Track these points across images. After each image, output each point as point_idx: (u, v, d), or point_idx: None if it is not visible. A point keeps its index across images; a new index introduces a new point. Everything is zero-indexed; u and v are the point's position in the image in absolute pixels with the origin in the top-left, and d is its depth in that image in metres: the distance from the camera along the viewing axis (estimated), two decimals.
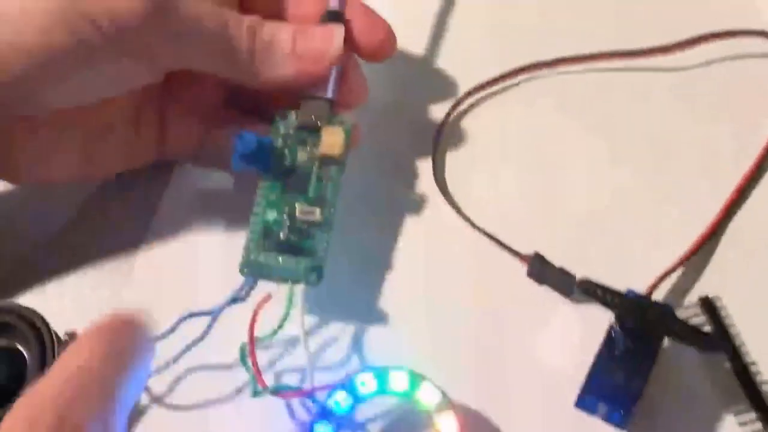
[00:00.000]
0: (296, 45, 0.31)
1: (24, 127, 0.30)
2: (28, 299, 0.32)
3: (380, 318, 0.31)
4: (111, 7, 0.28)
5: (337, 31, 0.31)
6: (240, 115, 0.34)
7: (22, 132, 0.30)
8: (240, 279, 0.29)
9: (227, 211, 0.34)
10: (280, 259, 0.29)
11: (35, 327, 0.29)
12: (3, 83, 0.28)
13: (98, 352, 0.22)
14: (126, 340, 0.23)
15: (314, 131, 0.31)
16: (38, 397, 0.21)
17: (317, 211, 0.30)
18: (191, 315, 0.29)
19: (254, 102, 0.34)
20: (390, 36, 0.32)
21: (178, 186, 0.35)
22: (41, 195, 0.35)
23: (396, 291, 0.31)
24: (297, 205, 0.30)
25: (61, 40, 0.27)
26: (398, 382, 0.26)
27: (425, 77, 0.36)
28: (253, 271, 0.29)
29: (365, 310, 0.31)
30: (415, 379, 0.26)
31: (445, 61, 0.36)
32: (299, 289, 0.29)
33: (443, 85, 0.36)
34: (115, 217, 0.34)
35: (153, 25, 0.28)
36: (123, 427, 0.22)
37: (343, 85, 0.32)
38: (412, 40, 0.36)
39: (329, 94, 0.31)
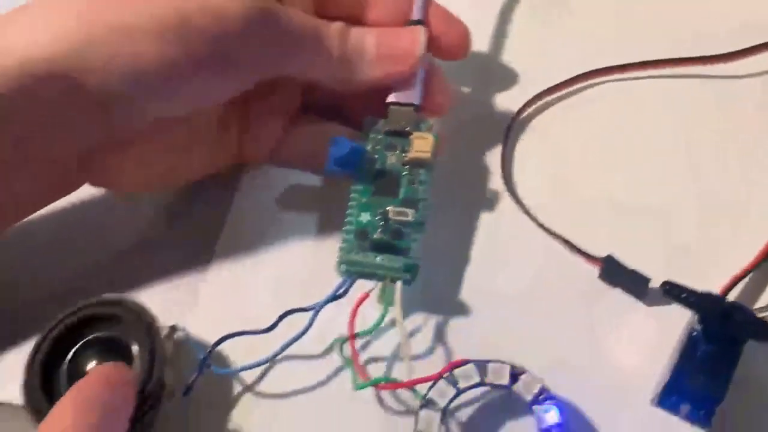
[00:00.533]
0: (383, 47, 0.32)
1: (123, 137, 0.31)
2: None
3: (459, 312, 0.32)
4: (218, 16, 0.29)
5: (421, 32, 0.33)
6: (318, 118, 0.36)
7: (121, 144, 0.31)
8: (325, 277, 0.31)
9: (303, 208, 0.35)
10: (377, 258, 0.30)
11: (142, 320, 0.30)
12: (116, 93, 0.29)
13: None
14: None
15: (403, 136, 0.33)
16: None
17: (410, 212, 0.31)
18: (291, 312, 0.30)
19: (330, 104, 0.36)
20: (466, 37, 0.34)
21: (251, 185, 0.36)
22: (120, 199, 0.36)
23: (473, 290, 0.32)
24: (391, 207, 0.31)
25: (173, 51, 0.29)
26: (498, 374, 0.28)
27: (496, 77, 0.37)
28: (350, 269, 0.31)
29: (450, 307, 0.32)
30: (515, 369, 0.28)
31: (516, 63, 0.37)
32: (395, 286, 0.30)
33: (514, 86, 0.37)
34: (192, 217, 0.36)
35: (257, 34, 0.30)
36: None
37: (428, 91, 0.33)
38: (484, 40, 0.38)
39: (416, 100, 0.33)
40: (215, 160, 0.35)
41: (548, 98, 0.36)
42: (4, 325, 0.33)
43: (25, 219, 0.33)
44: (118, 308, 0.31)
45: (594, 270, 0.31)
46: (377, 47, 0.32)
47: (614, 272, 0.31)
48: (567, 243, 0.32)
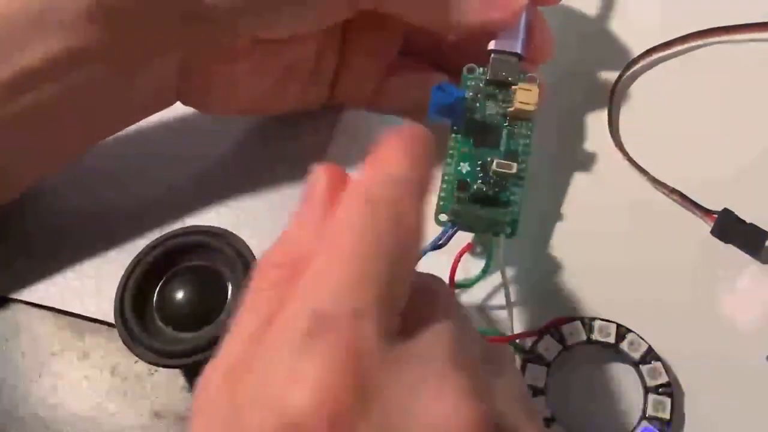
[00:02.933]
0: None
1: (222, 58, 0.31)
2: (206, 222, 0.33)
3: (562, 268, 0.32)
4: None
5: None
6: (416, 64, 0.35)
7: (220, 63, 0.32)
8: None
9: None
10: (478, 210, 0.30)
11: (242, 256, 0.30)
12: (210, 4, 0.29)
13: (409, 159, 0.22)
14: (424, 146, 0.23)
15: (504, 87, 0.32)
16: (374, 188, 0.21)
17: (513, 165, 0.30)
18: None
19: (429, 50, 0.35)
20: None
21: (348, 129, 0.36)
22: (219, 125, 0.36)
23: (573, 241, 0.32)
24: (491, 158, 0.31)
25: None
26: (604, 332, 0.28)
27: (600, 37, 0.36)
28: (451, 219, 0.30)
29: (553, 262, 0.32)
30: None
31: (619, 22, 0.36)
32: (498, 240, 0.30)
33: (617, 46, 0.36)
34: (287, 154, 0.35)
35: None
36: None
37: (530, 40, 0.32)
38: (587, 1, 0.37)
39: (519, 50, 0.32)
40: (309, 95, 0.34)
41: (652, 57, 0.35)
42: (98, 241, 0.33)
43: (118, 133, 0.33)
44: (220, 240, 0.30)
45: (706, 226, 0.31)
46: None
47: (729, 227, 0.31)
48: (680, 195, 0.32)
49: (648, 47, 0.35)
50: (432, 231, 0.30)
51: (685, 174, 0.32)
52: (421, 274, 0.22)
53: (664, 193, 0.32)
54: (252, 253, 0.30)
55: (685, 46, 0.35)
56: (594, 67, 0.36)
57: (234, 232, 0.30)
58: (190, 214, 0.34)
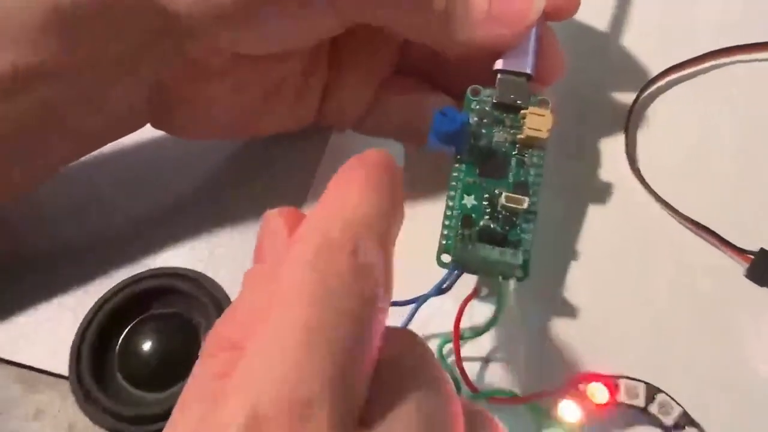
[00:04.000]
0: (495, 4, 0.28)
1: (199, 76, 0.28)
2: (178, 259, 0.30)
3: (580, 314, 0.28)
4: None
5: None
6: (413, 84, 0.32)
7: (197, 82, 0.28)
8: (421, 267, 0.27)
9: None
10: (485, 250, 0.27)
11: (215, 299, 0.27)
12: (189, 16, 0.26)
13: (370, 190, 0.19)
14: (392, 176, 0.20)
15: (512, 111, 0.29)
16: (333, 216, 0.18)
17: (524, 199, 0.27)
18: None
19: (427, 70, 0.32)
20: None
21: (337, 154, 0.32)
22: (194, 149, 0.32)
23: (591, 284, 0.29)
24: (499, 190, 0.28)
25: None
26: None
27: (614, 55, 0.33)
28: (456, 261, 0.27)
29: (569, 308, 0.28)
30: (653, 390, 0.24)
31: (634, 39, 0.33)
32: (508, 284, 0.26)
33: (633, 65, 0.33)
34: (271, 180, 0.32)
35: None
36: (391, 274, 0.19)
37: (540, 58, 0.29)
38: (600, 14, 0.34)
39: (528, 69, 0.29)
40: (294, 117, 0.31)
41: (671, 77, 0.32)
42: (55, 282, 0.30)
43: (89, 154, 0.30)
44: (192, 284, 0.27)
45: (740, 267, 0.28)
46: (488, 4, 0.28)
47: (766, 268, 0.27)
48: (709, 232, 0.28)
49: (666, 66, 0.32)
50: (434, 273, 0.27)
51: (715, 208, 0.29)
52: (389, 329, 0.18)
53: (691, 230, 0.29)
54: (228, 299, 0.26)
55: (707, 65, 0.32)
56: (608, 87, 0.33)
57: (208, 275, 0.27)
58: (161, 250, 0.30)
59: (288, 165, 0.32)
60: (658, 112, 0.32)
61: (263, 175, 0.32)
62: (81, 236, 0.31)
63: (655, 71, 0.32)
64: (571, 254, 0.29)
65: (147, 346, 0.26)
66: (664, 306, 0.28)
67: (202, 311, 0.26)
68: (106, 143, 0.30)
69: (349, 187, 0.19)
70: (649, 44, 0.33)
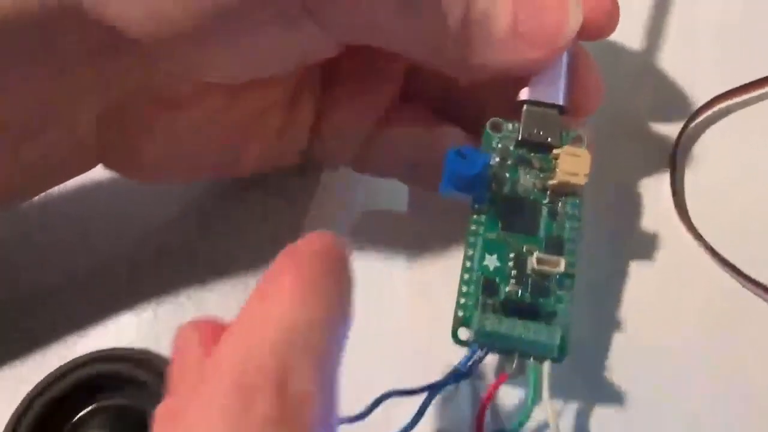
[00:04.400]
0: (522, 22, 0.23)
1: (159, 106, 0.23)
2: (148, 310, 0.25)
3: (635, 404, 0.23)
4: None
5: (574, 6, 0.23)
6: (422, 114, 0.27)
7: (156, 114, 0.23)
8: (434, 341, 0.22)
9: (396, 231, 0.26)
10: (513, 326, 0.21)
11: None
12: (139, 33, 0.20)
13: (303, 294, 0.15)
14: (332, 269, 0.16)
15: (541, 150, 0.24)
16: (254, 336, 0.14)
17: (560, 260, 0.22)
18: (391, 394, 0.21)
19: (436, 97, 0.27)
20: (616, 7, 0.24)
21: (330, 195, 0.27)
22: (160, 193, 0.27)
23: (645, 366, 0.24)
24: (528, 248, 0.22)
25: None
26: None
27: (656, 83, 0.28)
28: (478, 338, 0.22)
29: (615, 393, 0.23)
30: None
31: (678, 62, 0.29)
32: (542, 366, 0.21)
33: (675, 94, 0.28)
34: (250, 228, 0.27)
35: None
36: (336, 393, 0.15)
37: (573, 86, 0.24)
38: (640, 33, 0.29)
39: (560, 100, 0.24)
40: (278, 155, 0.26)
41: (720, 106, 0.27)
42: None
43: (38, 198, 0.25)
44: (146, 369, 0.22)
45: None
46: (514, 20, 0.23)
47: None
48: (760, 287, 0.24)
49: (715, 94, 0.27)
50: (451, 351, 0.22)
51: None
52: None
53: (754, 293, 0.24)
54: None
55: (765, 90, 0.27)
56: (646, 119, 0.28)
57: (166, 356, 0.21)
58: (115, 314, 0.25)
59: (269, 212, 0.27)
60: (709, 147, 0.27)
61: (241, 224, 0.27)
62: (6, 302, 0.25)
63: (703, 99, 0.27)
64: (614, 323, 0.24)
65: None
66: (730, 387, 0.23)
67: (156, 401, 0.21)
68: (43, 190, 0.25)
69: (276, 294, 0.15)
70: (697, 68, 0.28)
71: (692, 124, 0.27)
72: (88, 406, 0.21)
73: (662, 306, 0.25)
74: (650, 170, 0.27)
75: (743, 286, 0.25)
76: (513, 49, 0.23)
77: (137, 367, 0.21)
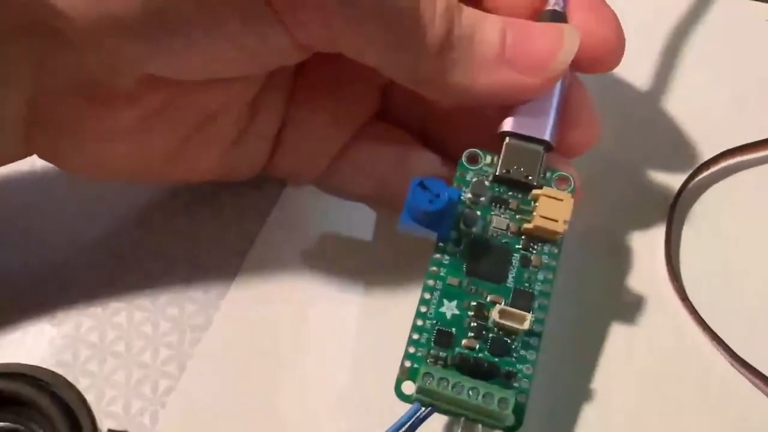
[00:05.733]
0: (507, 43, 0.20)
1: (95, 98, 0.20)
2: (101, 315, 0.23)
3: None
4: None
5: (569, 33, 0.21)
6: (396, 135, 0.24)
7: (92, 106, 0.21)
8: (377, 390, 0.19)
9: (354, 259, 0.24)
10: (464, 387, 0.19)
11: (68, 411, 0.19)
12: (83, 20, 0.18)
13: None
14: None
15: (520, 189, 0.21)
16: None
17: (527, 316, 0.19)
18: None
19: (418, 120, 0.24)
20: (620, 38, 0.22)
21: (289, 213, 0.25)
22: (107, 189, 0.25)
23: (608, 419, 0.21)
24: (492, 299, 0.20)
25: None
26: None
27: (657, 133, 0.26)
28: (422, 396, 0.19)
29: None
30: None
31: (683, 110, 0.26)
32: None
33: (681, 145, 0.26)
34: (200, 234, 0.24)
35: None
36: None
37: (564, 121, 0.22)
38: (647, 73, 0.26)
39: (546, 135, 0.21)
40: (232, 165, 0.24)
41: (727, 163, 0.25)
42: None
43: None
44: (42, 392, 0.19)
45: None
46: (501, 42, 0.20)
47: None
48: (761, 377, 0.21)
49: (724, 148, 0.25)
50: (395, 405, 0.19)
51: None
52: None
53: (751, 382, 0.21)
54: (86, 410, 0.18)
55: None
56: (646, 168, 0.25)
57: (69, 379, 0.19)
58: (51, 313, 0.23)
59: (223, 223, 0.25)
60: (711, 207, 0.25)
61: (188, 229, 0.25)
62: None
63: (709, 153, 0.25)
64: (584, 393, 0.21)
65: None
66: None
67: (47, 427, 0.18)
68: None
69: None
70: (708, 120, 0.26)
71: (696, 179, 0.25)
72: None
73: (638, 374, 0.22)
74: (645, 223, 0.24)
75: (740, 374, 0.22)
76: (498, 73, 0.20)
77: (35, 388, 0.19)
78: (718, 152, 0.25)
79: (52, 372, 0.19)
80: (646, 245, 0.24)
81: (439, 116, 0.24)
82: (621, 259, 0.24)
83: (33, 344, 0.22)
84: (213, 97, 0.22)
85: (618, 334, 0.22)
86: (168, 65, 0.20)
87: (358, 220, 0.25)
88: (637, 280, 0.23)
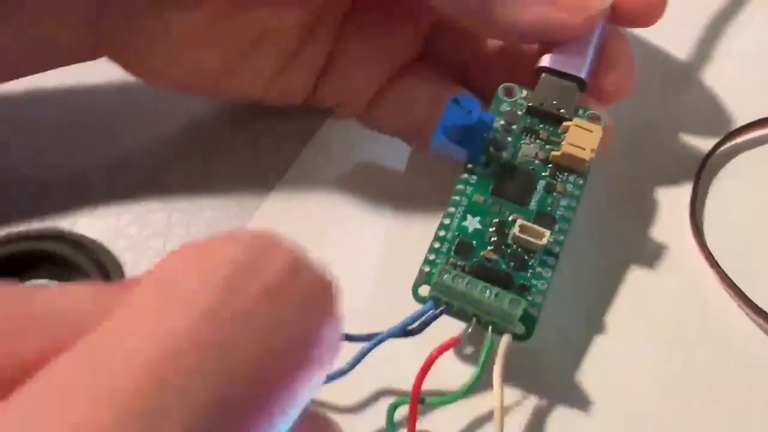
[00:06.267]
0: None
1: (163, 7, 0.22)
2: (141, 212, 0.24)
3: (597, 414, 0.21)
4: None
5: None
6: (437, 75, 0.25)
7: (157, 5, 0.22)
8: (396, 296, 0.20)
9: (388, 191, 0.25)
10: (477, 288, 0.19)
11: (106, 272, 0.20)
12: None
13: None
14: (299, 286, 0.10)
15: (551, 121, 0.22)
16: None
17: (545, 233, 0.20)
18: None
19: (458, 61, 0.25)
20: None
21: (326, 143, 0.26)
22: (168, 104, 0.26)
23: (619, 378, 0.21)
24: (514, 217, 0.20)
25: None
26: None
27: (693, 96, 0.26)
28: (437, 296, 0.20)
29: (579, 395, 0.21)
30: None
31: (720, 75, 0.26)
32: (501, 340, 0.19)
33: (715, 110, 0.26)
34: (243, 156, 0.25)
35: None
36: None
37: (600, 66, 0.22)
38: (686, 37, 0.27)
39: (582, 73, 0.22)
40: (284, 84, 0.25)
41: (763, 132, 0.25)
42: None
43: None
44: (73, 248, 0.20)
45: None
46: None
47: None
48: None
49: (755, 118, 0.25)
50: (408, 308, 0.20)
51: None
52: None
53: (756, 323, 0.21)
54: (122, 274, 0.19)
55: None
56: (679, 127, 0.26)
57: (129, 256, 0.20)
58: (77, 212, 0.24)
59: (265, 145, 0.26)
60: (738, 172, 0.25)
61: (234, 150, 0.26)
62: None
63: (742, 121, 0.25)
64: (597, 323, 0.22)
65: None
66: (720, 422, 0.20)
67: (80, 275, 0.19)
68: (43, 64, 0.24)
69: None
70: (744, 88, 0.26)
71: (726, 145, 0.25)
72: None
73: (653, 317, 0.22)
74: (672, 181, 0.25)
75: (753, 321, 0.22)
76: (542, 10, 0.21)
77: (74, 248, 0.20)
78: (750, 121, 0.25)
79: (92, 239, 0.20)
80: (672, 200, 0.24)
81: (481, 61, 0.25)
82: (646, 212, 0.24)
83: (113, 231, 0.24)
84: (271, 14, 0.23)
85: (636, 276, 0.23)
86: None
87: (393, 155, 0.26)
88: (662, 233, 0.24)
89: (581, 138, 0.21)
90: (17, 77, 0.24)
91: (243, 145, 0.26)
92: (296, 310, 0.10)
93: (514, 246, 0.20)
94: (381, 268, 0.23)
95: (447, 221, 0.21)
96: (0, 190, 0.24)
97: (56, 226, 0.21)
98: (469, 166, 0.21)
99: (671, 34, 0.26)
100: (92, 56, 0.24)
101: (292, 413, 0.10)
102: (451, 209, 0.21)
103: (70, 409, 0.08)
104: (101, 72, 0.24)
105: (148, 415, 0.08)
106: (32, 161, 0.25)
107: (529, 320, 0.20)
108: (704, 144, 0.25)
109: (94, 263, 0.19)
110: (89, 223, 0.24)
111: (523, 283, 0.20)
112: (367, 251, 0.23)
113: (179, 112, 0.26)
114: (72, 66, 0.23)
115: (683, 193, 0.24)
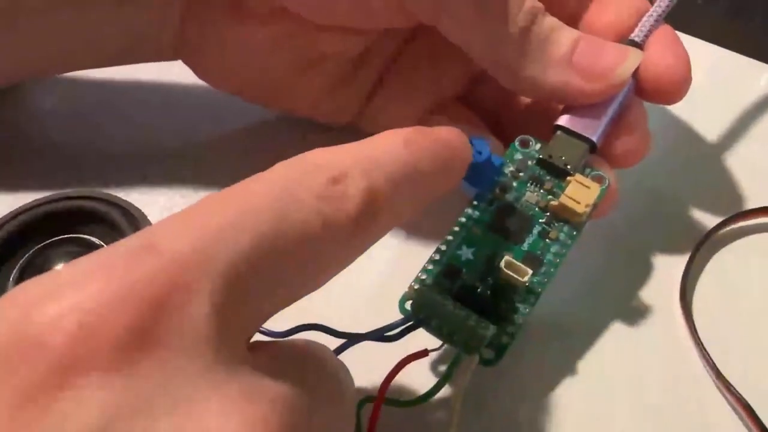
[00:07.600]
0: (577, 51, 0.23)
1: (234, 14, 0.25)
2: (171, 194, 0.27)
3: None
4: None
5: (633, 54, 0.24)
6: (470, 116, 0.27)
7: (231, 19, 0.25)
8: (387, 304, 0.22)
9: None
10: (458, 308, 0.21)
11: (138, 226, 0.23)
12: None
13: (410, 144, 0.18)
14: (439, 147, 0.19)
15: (557, 175, 0.24)
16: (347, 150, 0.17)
17: (527, 272, 0.21)
18: (313, 326, 0.21)
19: (494, 112, 0.28)
20: (686, 74, 0.24)
21: None
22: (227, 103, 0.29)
23: (582, 410, 0.22)
24: (505, 253, 0.22)
25: None
26: None
27: (701, 176, 0.28)
28: (419, 310, 0.21)
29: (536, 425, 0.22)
30: None
31: (732, 163, 0.28)
32: (469, 360, 0.21)
33: (720, 192, 0.27)
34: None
35: None
36: None
37: (615, 131, 0.24)
38: (711, 121, 0.28)
39: (593, 136, 0.24)
40: (329, 107, 0.28)
41: (762, 219, 0.26)
42: None
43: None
44: (118, 211, 0.23)
45: None
46: (572, 49, 0.23)
47: None
48: (755, 421, 0.22)
49: (762, 204, 0.26)
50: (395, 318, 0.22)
51: None
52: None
53: (732, 405, 0.22)
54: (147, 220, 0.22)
55: None
56: (687, 204, 0.27)
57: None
58: (133, 185, 0.27)
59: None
60: (741, 252, 0.26)
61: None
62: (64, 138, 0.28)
63: (749, 205, 0.26)
64: (569, 369, 0.23)
65: (58, 268, 0.22)
66: None
67: (117, 238, 0.22)
68: (121, 61, 0.27)
69: (385, 138, 0.18)
70: (753, 172, 0.27)
71: (733, 225, 0.26)
72: (58, 236, 0.23)
73: (626, 368, 0.23)
74: (668, 253, 0.26)
75: (725, 398, 0.23)
76: (564, 74, 0.23)
77: (114, 209, 0.23)
78: (758, 206, 0.26)
79: (138, 208, 0.23)
80: (665, 272, 0.25)
81: (513, 112, 0.27)
82: (639, 272, 0.25)
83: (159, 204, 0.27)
84: (329, 40, 0.26)
85: (616, 329, 0.24)
86: (298, 3, 0.24)
87: None
88: (649, 295, 0.25)
89: (579, 193, 0.23)
90: (109, 66, 0.27)
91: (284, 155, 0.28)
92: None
93: (499, 280, 0.22)
94: (381, 280, 0.25)
95: (443, 247, 0.23)
96: (73, 161, 0.28)
97: (111, 193, 0.24)
98: (475, 202, 0.23)
99: (688, 112, 0.28)
100: (174, 57, 0.27)
101: None
102: (449, 237, 0.23)
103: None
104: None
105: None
106: (104, 137, 0.29)
107: (499, 347, 0.21)
108: (707, 220, 0.26)
109: (135, 230, 0.22)
110: (140, 198, 0.27)
111: (501, 313, 0.22)
112: (372, 261, 0.25)
113: (249, 111, 0.29)
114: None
115: (678, 265, 0.25)
